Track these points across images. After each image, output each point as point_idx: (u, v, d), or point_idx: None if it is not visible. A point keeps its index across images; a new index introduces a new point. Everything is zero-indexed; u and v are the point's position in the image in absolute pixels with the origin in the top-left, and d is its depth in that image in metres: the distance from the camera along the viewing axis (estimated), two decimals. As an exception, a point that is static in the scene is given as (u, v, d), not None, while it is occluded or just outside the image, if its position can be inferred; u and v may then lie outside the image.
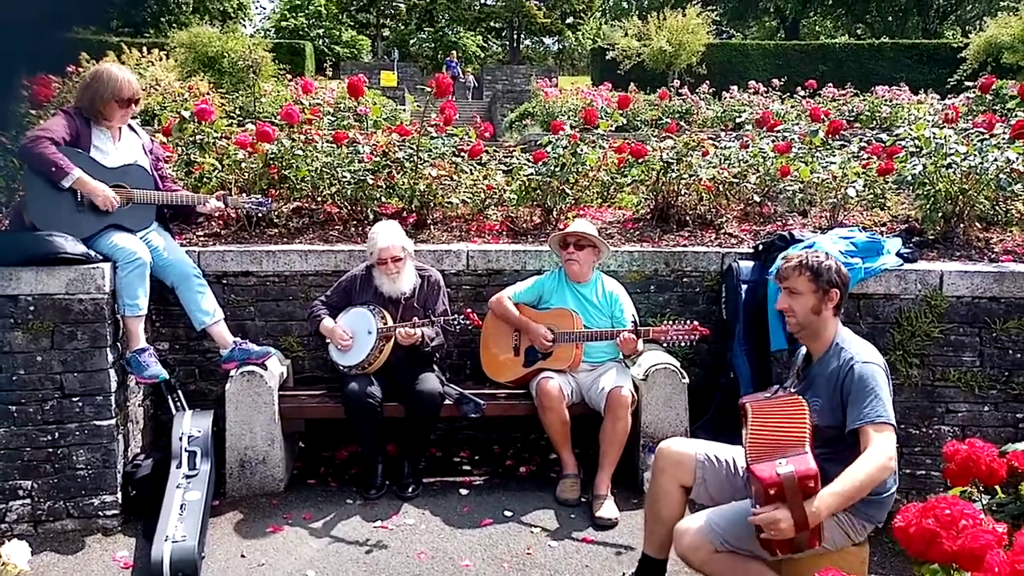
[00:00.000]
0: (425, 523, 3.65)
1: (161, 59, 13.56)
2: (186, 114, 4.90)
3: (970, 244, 4.33)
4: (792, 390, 2.79)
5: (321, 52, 33.72)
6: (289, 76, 12.30)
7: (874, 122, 12.08)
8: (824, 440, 2.58)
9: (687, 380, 4.00)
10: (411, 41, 45.27)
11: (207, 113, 4.79)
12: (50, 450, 3.56)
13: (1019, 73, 14.89)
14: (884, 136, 5.12)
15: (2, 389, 3.50)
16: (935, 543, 1.72)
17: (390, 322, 3.95)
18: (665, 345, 4.00)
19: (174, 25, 28.06)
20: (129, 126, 3.96)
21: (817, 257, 2.76)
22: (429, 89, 4.82)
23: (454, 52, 30.05)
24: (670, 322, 3.89)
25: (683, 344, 3.85)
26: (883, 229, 4.70)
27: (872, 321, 3.82)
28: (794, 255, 2.81)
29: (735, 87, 14.11)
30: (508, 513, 3.76)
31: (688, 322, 3.82)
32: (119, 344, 3.75)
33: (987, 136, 4.39)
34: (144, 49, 13.75)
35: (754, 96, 13.39)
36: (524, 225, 5.00)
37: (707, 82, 14.76)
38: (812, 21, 40.15)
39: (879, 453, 2.44)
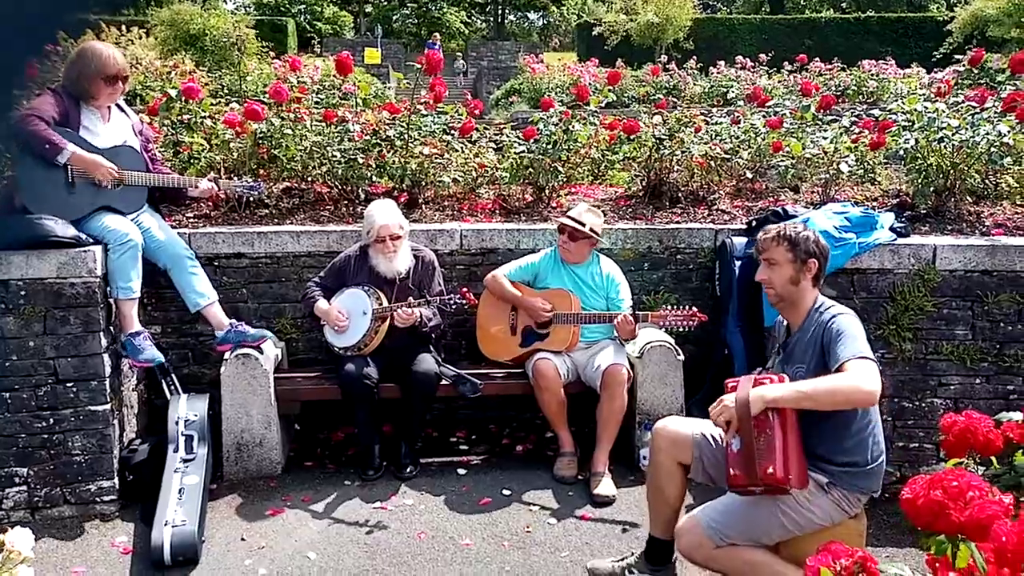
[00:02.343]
0: (424, 503, 3.66)
1: (141, 37, 13.33)
2: (172, 93, 4.82)
3: (961, 218, 4.35)
4: (772, 368, 2.81)
5: (303, 29, 33.28)
6: (273, 54, 12.11)
7: (860, 96, 12.08)
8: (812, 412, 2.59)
9: (682, 357, 4.02)
10: (394, 17, 44.76)
11: (194, 92, 4.72)
12: (45, 436, 3.53)
13: (1004, 46, 14.93)
14: (876, 112, 5.11)
15: (-6, 375, 3.47)
16: (943, 515, 1.74)
17: (385, 303, 3.93)
18: (662, 329, 4.01)
19: (154, 2, 27.58)
20: (118, 106, 3.89)
21: (795, 228, 2.78)
22: (418, 66, 4.77)
23: (436, 34, 29.68)
24: (668, 307, 3.88)
25: (681, 330, 3.86)
26: (874, 204, 4.71)
27: (866, 296, 3.84)
28: (772, 227, 2.83)
29: (722, 62, 14.05)
30: (506, 492, 3.78)
31: (687, 308, 3.82)
32: (112, 328, 3.71)
33: (979, 110, 4.39)
34: (123, 27, 13.51)
35: (741, 71, 13.34)
36: (516, 203, 4.98)
37: (694, 57, 14.67)
38: (797, -6, 40.00)
39: (852, 376, 2.45)
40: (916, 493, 1.83)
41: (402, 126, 4.77)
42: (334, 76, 7.23)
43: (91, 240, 3.61)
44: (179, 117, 4.83)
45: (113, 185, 3.71)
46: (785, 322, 2.87)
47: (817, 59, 13.27)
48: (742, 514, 2.63)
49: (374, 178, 4.82)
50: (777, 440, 2.43)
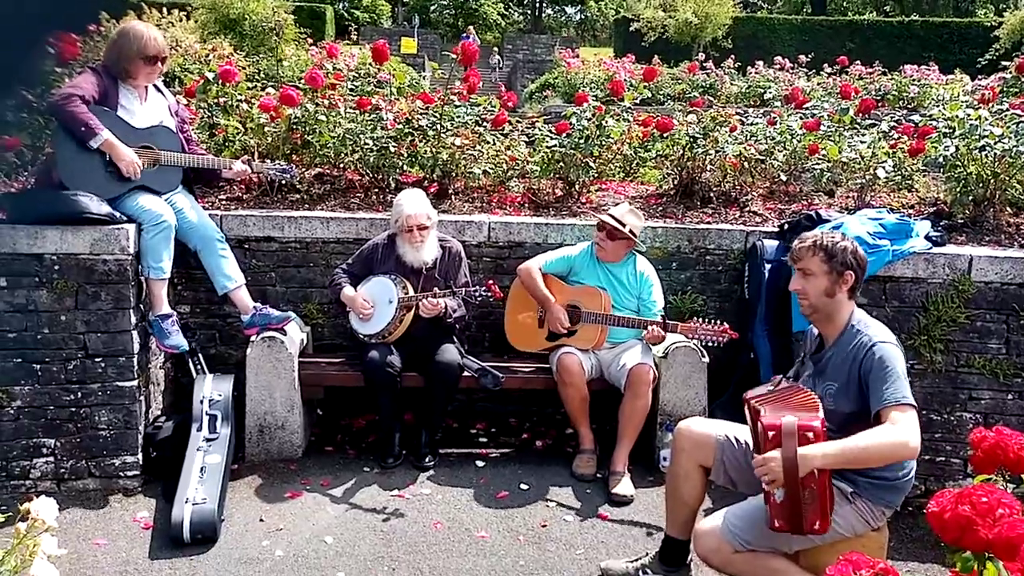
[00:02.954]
0: (441, 493, 3.67)
1: (182, 20, 13.46)
2: (210, 76, 4.86)
3: (1000, 229, 4.25)
4: (799, 378, 2.76)
5: (341, 17, 33.45)
6: (310, 41, 12.18)
7: (901, 102, 11.87)
8: (839, 424, 2.54)
9: (707, 359, 3.98)
10: (432, 7, 44.86)
11: (231, 75, 4.75)
12: (73, 409, 3.59)
13: (1053, 54, 14.57)
14: (916, 117, 5.01)
15: (27, 347, 3.53)
16: (970, 531, 1.70)
17: (411, 292, 3.94)
18: (693, 341, 3.95)
19: (194, -15, 27.87)
20: (156, 87, 3.94)
21: (832, 238, 2.68)
22: (454, 56, 4.77)
23: (471, 28, 29.65)
24: (700, 320, 3.84)
25: (710, 344, 3.81)
26: (911, 211, 4.62)
27: (898, 305, 3.77)
28: (808, 236, 2.74)
29: (760, 62, 13.88)
30: (524, 486, 3.77)
31: (719, 323, 3.78)
32: (142, 306, 3.76)
33: (1023, 118, 4.29)
34: (165, 9, 13.66)
35: (780, 72, 13.17)
36: (546, 197, 4.96)
37: (732, 56, 14.51)
38: (840, -4, 39.38)
39: (899, 431, 2.39)
40: (943, 507, 1.79)
41: (435, 116, 4.77)
42: (370, 64, 7.26)
43: (125, 218, 3.66)
44: (215, 100, 4.87)
45: (149, 165, 3.75)
46: (817, 332, 2.79)
47: (858, 62, 13.05)
48: (763, 520, 2.60)
49: (405, 167, 4.82)
50: (823, 494, 2.38)
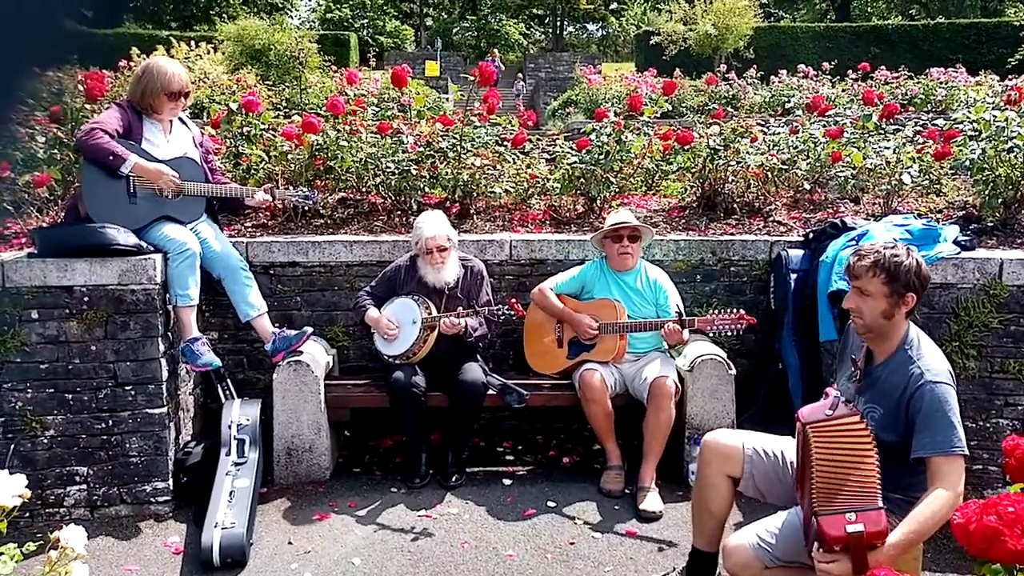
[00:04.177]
0: (469, 513, 3.66)
1: (209, 52, 13.78)
2: (234, 106, 4.96)
3: (1031, 231, 4.17)
4: (848, 394, 2.65)
5: (365, 43, 33.93)
6: (334, 67, 12.39)
7: (928, 105, 11.71)
8: (878, 451, 2.47)
9: (734, 371, 3.94)
10: (454, 30, 45.31)
11: (254, 105, 4.84)
12: (104, 437, 3.66)
13: (1084, 52, 14.30)
14: (941, 121, 4.94)
15: (58, 377, 3.60)
16: (997, 541, 1.65)
17: (434, 312, 3.96)
18: (711, 335, 3.93)
19: (223, 17, 28.50)
20: (180, 119, 4.02)
21: (896, 257, 2.47)
22: (473, 77, 4.81)
23: (495, 51, 29.89)
24: (716, 311, 3.82)
25: (730, 334, 3.78)
26: (939, 216, 4.55)
27: (928, 311, 3.70)
28: (868, 251, 2.55)
29: (784, 71, 13.79)
30: (551, 504, 3.75)
31: (734, 311, 3.75)
32: (170, 334, 3.82)
33: (1052, 119, 4.21)
34: (193, 43, 14.00)
35: (803, 80, 13.07)
36: (567, 214, 4.97)
37: (754, 66, 14.45)
38: (863, 2, 39.05)
39: (950, 492, 2.31)
40: (968, 518, 1.75)
41: (455, 138, 4.81)
42: (392, 88, 7.35)
43: (152, 248, 3.73)
44: (240, 129, 4.96)
45: (173, 195, 3.83)
46: (864, 345, 2.66)
47: (883, 67, 12.91)
48: (793, 535, 2.55)
49: (426, 189, 4.86)
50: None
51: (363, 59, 25.93)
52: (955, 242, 3.80)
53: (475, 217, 4.90)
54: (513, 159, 5.06)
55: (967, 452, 2.40)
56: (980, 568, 1.79)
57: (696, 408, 3.94)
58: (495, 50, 29.40)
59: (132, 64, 6.32)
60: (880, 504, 2.26)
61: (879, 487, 2.28)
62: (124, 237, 3.64)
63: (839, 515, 2.24)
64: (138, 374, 3.66)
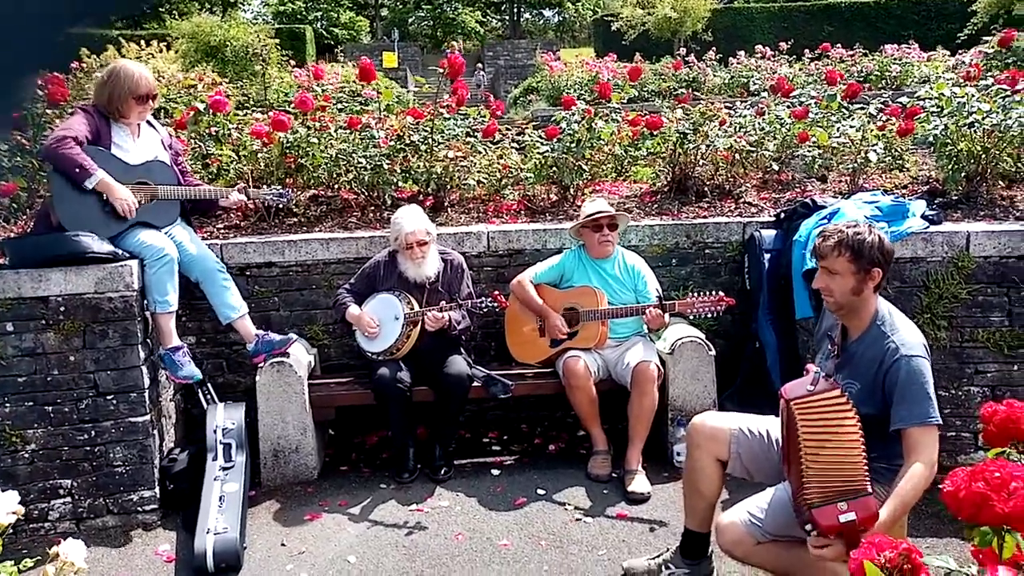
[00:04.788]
0: (460, 504, 3.69)
1: (162, 51, 13.49)
2: (201, 106, 4.89)
3: (994, 203, 4.29)
4: (827, 370, 2.72)
5: (320, 35, 33.52)
6: (293, 63, 12.21)
7: (883, 82, 11.91)
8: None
9: (713, 352, 4.00)
10: (410, 20, 44.98)
11: (222, 105, 4.78)
12: (88, 448, 3.61)
13: (1031, 25, 14.63)
14: (904, 99, 5.05)
15: (37, 390, 3.54)
16: (986, 506, 1.71)
17: (416, 307, 3.97)
18: (691, 317, 3.99)
19: (174, 14, 27.91)
20: (148, 122, 3.96)
21: (858, 235, 2.54)
22: (441, 69, 4.80)
23: (455, 43, 29.72)
24: (695, 294, 3.88)
25: (709, 316, 3.84)
26: (903, 191, 4.66)
27: (899, 285, 3.79)
28: (832, 230, 2.63)
29: (742, 52, 13.93)
30: (541, 491, 3.79)
31: (713, 293, 3.81)
32: (149, 341, 3.77)
33: (1010, 92, 4.32)
34: (143, 42, 13.68)
35: (762, 61, 13.22)
36: (541, 204, 4.99)
37: (713, 48, 14.56)
38: (816, -20, 39.39)
39: (925, 462, 2.40)
40: (957, 485, 1.81)
41: (426, 130, 4.80)
42: (353, 82, 7.28)
43: (127, 255, 3.68)
44: (207, 130, 4.89)
45: (147, 200, 3.77)
46: (840, 323, 2.73)
47: (839, 45, 13.10)
48: (782, 510, 2.61)
49: (399, 183, 4.85)
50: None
51: (319, 52, 25.65)
52: (923, 217, 3.90)
53: (449, 210, 4.90)
54: (485, 150, 5.07)
55: (941, 422, 2.48)
56: (970, 532, 1.85)
57: (678, 390, 4.01)
58: (455, 42, 29.21)
59: (83, 66, 6.18)
60: (869, 489, 2.32)
61: (867, 470, 2.34)
62: (99, 245, 3.58)
63: (831, 506, 2.30)
64: (119, 383, 3.61)
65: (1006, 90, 4.36)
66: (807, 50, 12.71)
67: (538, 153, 4.95)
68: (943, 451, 3.78)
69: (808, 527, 2.37)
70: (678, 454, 3.92)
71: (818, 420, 2.42)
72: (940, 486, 2.45)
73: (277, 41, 10.66)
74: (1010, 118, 4.11)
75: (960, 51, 10.91)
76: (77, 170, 3.55)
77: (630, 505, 3.64)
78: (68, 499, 3.61)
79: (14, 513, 1.98)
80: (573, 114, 4.95)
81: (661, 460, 4.01)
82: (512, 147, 5.25)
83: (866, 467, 2.35)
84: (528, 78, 17.26)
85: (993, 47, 7.09)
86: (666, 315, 3.87)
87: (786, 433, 2.58)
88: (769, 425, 2.89)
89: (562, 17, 48.80)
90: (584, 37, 41.32)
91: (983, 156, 4.29)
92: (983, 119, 4.16)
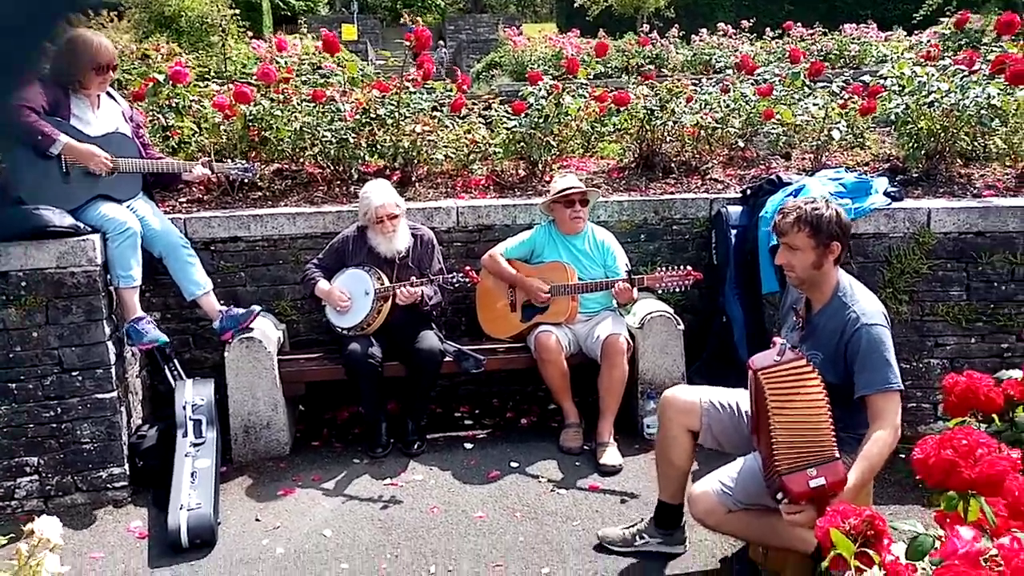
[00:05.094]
0: (434, 478, 3.71)
1: (113, 20, 13.07)
2: (160, 77, 4.77)
3: (952, 180, 4.41)
4: (792, 342, 2.79)
5: (276, 6, 32.73)
6: (250, 34, 11.94)
7: (842, 60, 12.08)
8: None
9: (682, 326, 4.07)
10: (369, -8, 44.11)
11: (182, 76, 4.67)
12: (54, 425, 3.54)
13: (984, 7, 14.96)
14: (867, 78, 5.14)
15: (0, 367, 3.46)
16: (954, 472, 1.79)
17: (386, 283, 3.95)
18: (660, 291, 4.05)
19: (122, -17, 26.94)
20: (108, 93, 3.85)
21: (816, 210, 2.62)
22: (407, 42, 4.74)
23: (417, 18, 29.28)
24: (663, 268, 3.92)
25: (678, 289, 3.89)
26: (865, 168, 4.76)
27: (863, 260, 3.89)
28: (791, 207, 2.70)
29: (704, 30, 13.98)
30: (514, 464, 3.83)
31: (681, 268, 3.86)
32: (114, 316, 3.70)
33: (967, 73, 4.43)
34: (92, 11, 13.22)
35: (724, 39, 13.29)
36: (510, 179, 4.98)
37: (676, 25, 14.59)
38: (774, -41, 39.60)
39: (888, 427, 2.49)
40: (927, 453, 1.88)
41: (392, 104, 4.74)
42: (314, 54, 7.15)
43: (89, 229, 3.59)
44: (167, 101, 4.78)
45: (108, 173, 3.68)
46: (804, 296, 2.81)
47: (799, 24, 13.23)
48: (752, 479, 2.69)
49: (366, 157, 4.80)
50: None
51: (277, 23, 25.07)
52: (885, 193, 4.00)
53: (417, 185, 4.87)
54: (452, 124, 5.04)
55: (903, 388, 2.58)
56: (936, 497, 1.93)
57: (647, 363, 4.07)
58: (417, 19, 28.77)
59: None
60: (837, 455, 2.40)
61: (834, 437, 2.42)
62: (59, 218, 3.49)
63: (801, 472, 2.38)
64: (84, 359, 3.54)
65: (964, 70, 4.46)
66: (768, 29, 12.81)
67: (505, 128, 4.94)
68: (904, 421, 3.91)
69: (779, 495, 2.45)
70: (648, 426, 3.98)
71: (785, 388, 2.50)
72: (902, 455, 2.53)
73: (237, 12, 10.39)
74: (967, 97, 4.22)
75: (916, 31, 11.12)
76: (40, 137, 3.44)
77: (602, 477, 3.70)
78: (35, 477, 3.54)
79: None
80: (540, 89, 4.93)
81: (632, 433, 4.08)
82: (479, 122, 5.23)
83: (833, 433, 2.43)
84: (491, 53, 17.10)
85: (949, 28, 7.23)
86: (635, 290, 3.91)
87: (755, 404, 2.65)
88: (738, 398, 2.96)
89: (523, -9, 48.35)
90: (546, 12, 41.02)
91: (942, 134, 4.40)
92: (942, 99, 4.26)
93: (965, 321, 3.89)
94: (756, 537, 2.80)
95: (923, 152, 4.40)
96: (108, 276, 3.65)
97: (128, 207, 3.78)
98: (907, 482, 3.50)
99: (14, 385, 3.48)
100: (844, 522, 1.77)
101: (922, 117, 4.37)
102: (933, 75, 4.38)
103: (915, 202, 4.04)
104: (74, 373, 3.54)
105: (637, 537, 3.08)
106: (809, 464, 2.39)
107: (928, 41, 7.18)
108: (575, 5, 19.76)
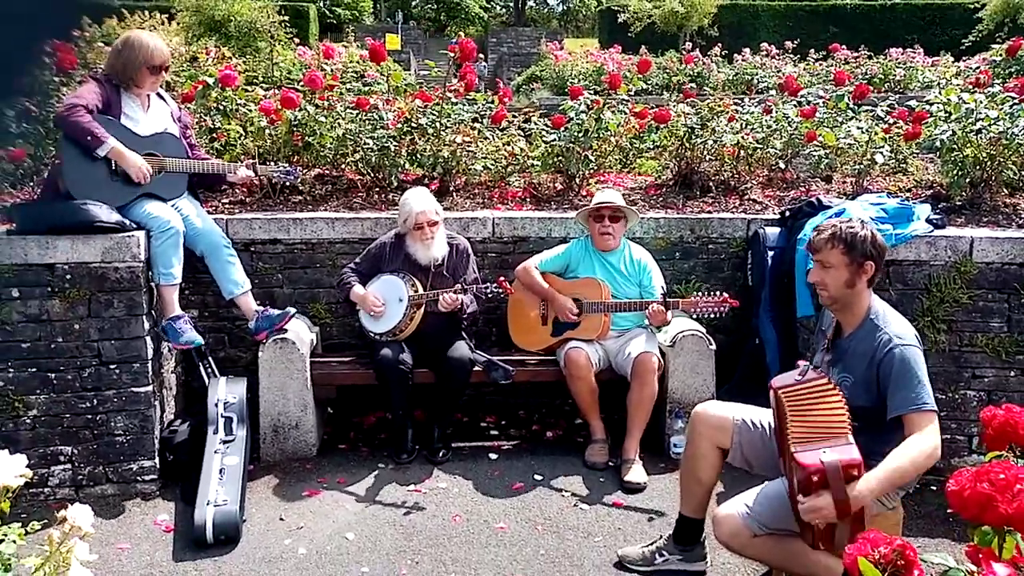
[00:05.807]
0: (458, 487, 3.72)
1: (164, 23, 13.37)
2: (209, 80, 4.87)
3: (997, 210, 4.32)
4: (820, 366, 2.76)
5: (323, 15, 33.25)
6: (297, 41, 12.14)
7: (887, 84, 11.94)
8: (854, 418, 2.57)
9: (714, 346, 4.03)
10: (413, 2, 44.68)
11: (231, 79, 4.76)
12: (89, 416, 3.62)
13: (1035, 34, 14.67)
14: (912, 103, 5.07)
15: (41, 356, 3.55)
16: (990, 507, 1.74)
17: (420, 290, 3.98)
18: (694, 317, 4.02)
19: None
20: (158, 94, 3.95)
21: (851, 228, 2.62)
22: (451, 53, 4.79)
23: (461, 34, 29.64)
24: (699, 293, 3.89)
25: (712, 316, 3.86)
26: (907, 195, 4.69)
27: (901, 288, 3.83)
28: (827, 225, 2.70)
29: (747, 49, 13.93)
30: (538, 477, 3.82)
31: (718, 294, 3.83)
32: (154, 312, 3.78)
33: (1017, 100, 4.35)
34: (146, 12, 13.57)
35: (767, 59, 13.23)
36: (547, 192, 5.00)
37: (719, 44, 14.56)
38: (821, -19, 39.32)
39: (926, 441, 2.42)
40: (962, 485, 1.84)
41: (434, 114, 4.79)
42: (358, 62, 7.25)
43: (134, 226, 3.68)
44: (215, 104, 4.88)
45: (155, 172, 3.77)
46: (835, 319, 2.78)
47: (844, 47, 13.12)
48: (779, 503, 2.65)
49: (406, 165, 4.85)
50: (860, 514, 2.38)
51: (323, 31, 25.46)
52: (927, 220, 3.93)
53: (455, 194, 4.90)
54: (492, 136, 5.07)
55: (937, 409, 2.51)
56: (972, 531, 1.88)
57: (677, 383, 4.04)
58: (461, 32, 29.10)
59: (84, 35, 6.13)
60: (851, 439, 2.37)
61: (849, 427, 2.40)
62: (107, 214, 3.58)
63: (814, 451, 2.36)
64: (122, 353, 3.62)
65: (1014, 98, 4.38)
66: (812, 50, 12.72)
67: (544, 141, 4.96)
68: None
69: (800, 497, 2.40)
70: (675, 445, 3.96)
71: (805, 404, 2.50)
72: (933, 487, 2.47)
73: (286, 19, 10.59)
74: (1017, 126, 4.14)
75: (964, 57, 10.95)
76: (89, 138, 3.54)
77: (626, 494, 3.68)
78: (68, 466, 3.62)
79: (21, 476, 1.99)
80: (580, 104, 4.95)
81: (658, 451, 4.05)
82: (518, 134, 5.26)
83: (848, 425, 2.40)
84: (532, 66, 17.21)
85: (999, 55, 7.10)
86: (669, 312, 3.89)
87: (777, 423, 2.62)
88: (771, 418, 2.92)
89: (567, 6, 48.62)
90: (588, 27, 41.15)
91: (988, 163, 4.32)
92: (990, 126, 4.19)
93: (1005, 353, 3.81)
94: (780, 563, 2.76)
95: (968, 180, 4.32)
96: (150, 273, 3.73)
97: (173, 206, 3.86)
98: (937, 515, 3.43)
99: (53, 375, 3.57)
100: (873, 550, 1.74)
101: (968, 144, 4.30)
102: (982, 102, 4.31)
103: (958, 230, 3.97)
104: (112, 366, 3.61)
105: (657, 555, 3.06)
106: (823, 446, 2.37)
107: (977, 68, 7.06)
108: (618, 21, 19.80)
